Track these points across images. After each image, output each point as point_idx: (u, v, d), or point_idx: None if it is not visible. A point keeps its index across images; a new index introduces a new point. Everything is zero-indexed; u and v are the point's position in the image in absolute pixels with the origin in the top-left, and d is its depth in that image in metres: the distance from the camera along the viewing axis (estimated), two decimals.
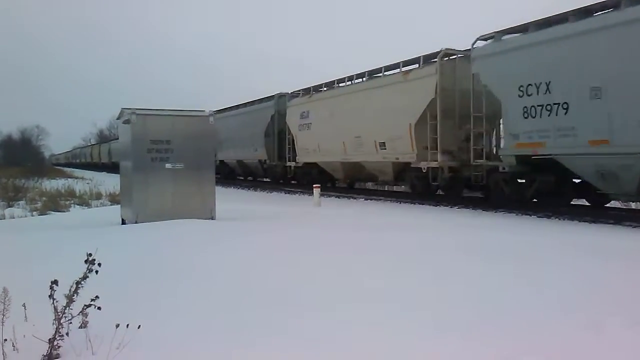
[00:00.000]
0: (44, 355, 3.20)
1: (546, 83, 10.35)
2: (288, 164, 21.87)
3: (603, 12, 9.80)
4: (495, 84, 11.72)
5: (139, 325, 3.29)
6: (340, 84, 18.82)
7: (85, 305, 3.37)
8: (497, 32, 11.83)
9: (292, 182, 23.30)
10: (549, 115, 10.33)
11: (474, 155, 12.64)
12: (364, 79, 17.16)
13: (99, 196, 18.96)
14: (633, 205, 12.90)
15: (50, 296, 3.31)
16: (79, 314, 3.40)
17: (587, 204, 12.30)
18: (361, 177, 19.17)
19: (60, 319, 3.26)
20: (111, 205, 15.69)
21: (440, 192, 15.31)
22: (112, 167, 44.86)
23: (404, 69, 15.38)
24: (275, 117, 22.68)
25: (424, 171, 14.06)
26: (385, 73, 16.05)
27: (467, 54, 12.96)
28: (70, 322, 3.35)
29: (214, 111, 27.44)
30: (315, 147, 19.36)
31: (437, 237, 7.58)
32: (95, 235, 8.06)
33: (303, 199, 17.24)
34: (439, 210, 13.01)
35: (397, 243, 7.09)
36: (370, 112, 15.89)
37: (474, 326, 3.76)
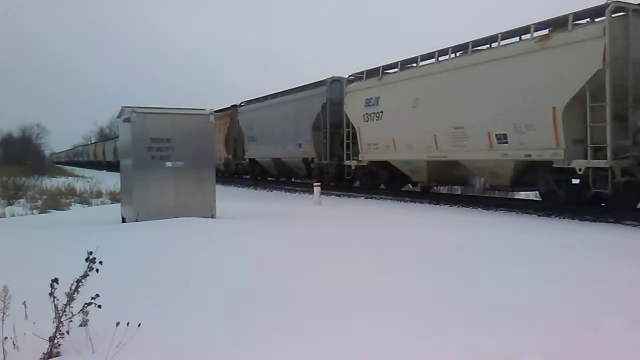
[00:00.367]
0: (45, 354, 3.20)
1: None
2: (347, 162, 17.81)
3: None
4: None
5: (139, 324, 3.30)
6: (426, 61, 14.39)
7: (85, 303, 3.37)
8: None
9: (354, 184, 19.24)
10: None
11: None
12: (465, 52, 12.95)
13: (99, 194, 18.98)
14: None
15: (51, 294, 3.31)
16: (79, 312, 3.40)
17: None
18: (452, 180, 15.54)
19: (60, 317, 3.27)
20: (111, 203, 15.70)
21: (602, 203, 11.17)
22: (117, 166, 44.00)
23: (535, 34, 11.15)
24: (327, 106, 18.74)
25: (579, 172, 10.12)
26: (503, 42, 11.90)
27: None
28: (71, 321, 3.35)
29: (244, 102, 25.57)
30: (388, 142, 15.28)
31: (437, 235, 7.57)
32: (95, 233, 8.06)
33: (303, 198, 17.24)
34: (439, 209, 13.00)
35: (398, 241, 7.08)
36: (482, 95, 11.91)
37: (474, 325, 3.76)
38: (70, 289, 3.36)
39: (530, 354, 3.25)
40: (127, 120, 9.79)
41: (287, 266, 5.65)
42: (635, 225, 9.20)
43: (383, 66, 15.95)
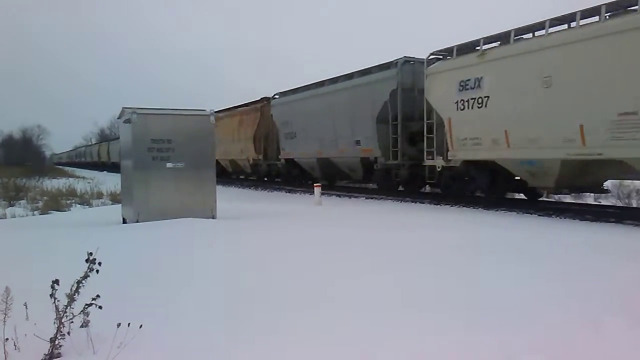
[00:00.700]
0: (46, 355, 3.20)
1: None
2: (429, 162, 13.99)
3: None
4: None
5: (141, 325, 3.30)
6: (556, 28, 10.85)
7: (86, 304, 3.37)
8: None
9: (437, 191, 15.61)
10: None
11: None
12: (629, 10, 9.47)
13: (100, 195, 18.99)
14: (635, 203, 12.90)
15: (52, 295, 3.31)
16: (80, 313, 3.40)
17: None
18: (588, 185, 11.57)
19: (61, 318, 3.27)
20: (112, 204, 15.70)
21: None
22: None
23: None
24: (397, 93, 15.14)
25: None
26: None
27: None
28: (72, 322, 3.35)
29: (278, 93, 22.61)
30: (497, 136, 11.73)
31: (438, 235, 7.57)
32: (96, 234, 8.07)
33: (304, 198, 17.24)
34: (440, 209, 12.99)
35: (399, 242, 7.08)
36: None
37: (475, 325, 3.76)
38: (71, 290, 3.36)
39: (531, 353, 3.24)
40: (127, 121, 9.80)
41: (287, 266, 5.65)
42: (636, 225, 9.20)
43: (484, 38, 12.22)
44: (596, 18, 9.89)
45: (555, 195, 13.98)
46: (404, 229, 8.46)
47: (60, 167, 68.27)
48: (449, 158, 13.29)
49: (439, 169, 13.74)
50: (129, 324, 3.22)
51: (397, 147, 15.30)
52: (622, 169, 10.03)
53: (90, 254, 3.52)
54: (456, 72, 12.86)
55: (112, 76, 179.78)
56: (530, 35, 11.46)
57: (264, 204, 14.82)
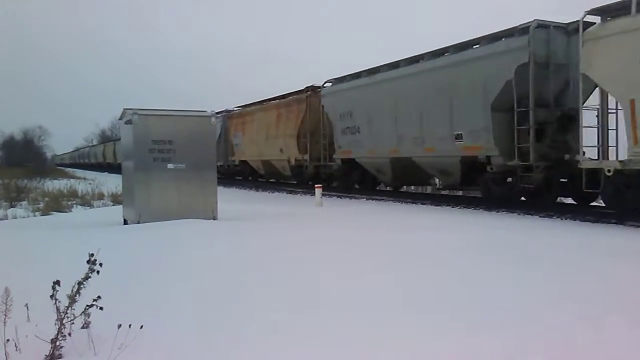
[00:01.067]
0: (47, 356, 3.20)
1: None
2: (588, 165, 10.12)
3: None
4: None
5: (141, 326, 3.30)
6: None
7: (87, 305, 3.38)
8: None
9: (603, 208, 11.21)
10: None
11: None
12: None
13: (101, 196, 19.01)
14: None
15: (53, 296, 3.31)
16: (81, 314, 3.41)
17: None
18: None
19: (62, 319, 3.27)
20: (113, 205, 15.72)
21: None
22: None
23: None
24: (529, 69, 11.14)
25: None
26: None
27: None
28: (73, 323, 3.35)
29: (331, 80, 18.54)
30: None
31: (439, 236, 7.57)
32: (97, 235, 8.07)
33: (304, 199, 17.24)
34: (440, 210, 12.99)
35: (399, 242, 7.08)
36: None
37: (476, 325, 3.75)
38: (72, 291, 3.37)
39: (532, 354, 3.24)
40: (128, 122, 9.81)
41: (288, 267, 5.65)
42: (637, 227, 9.18)
43: None
44: None
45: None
46: (406, 230, 8.47)
47: (61, 168, 67.98)
48: (630, 157, 9.24)
49: (608, 173, 9.50)
50: (129, 325, 3.22)
51: (527, 143, 11.21)
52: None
53: (92, 255, 3.53)
54: None
55: (113, 77, 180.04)
56: None
57: (264, 205, 14.82)
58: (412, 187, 19.47)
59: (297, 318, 3.98)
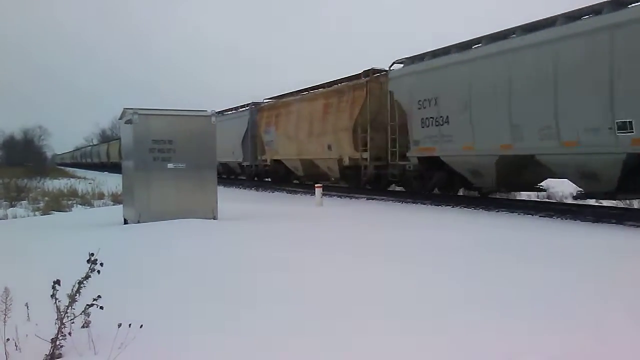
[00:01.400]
0: (47, 355, 3.20)
1: None
2: None
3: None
4: None
5: (141, 325, 3.30)
6: None
7: (87, 304, 3.38)
8: None
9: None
10: None
11: None
12: None
13: (101, 196, 19.01)
14: (635, 204, 12.87)
15: (53, 296, 3.32)
16: (81, 314, 3.41)
17: None
18: None
19: (62, 318, 3.27)
20: (113, 205, 15.72)
21: None
22: None
23: None
24: None
25: None
26: None
27: None
28: (73, 322, 3.35)
29: (402, 60, 14.56)
30: None
31: (439, 235, 7.58)
32: (97, 235, 8.08)
33: (305, 199, 17.24)
34: (441, 210, 12.99)
35: (402, 241, 7.09)
36: None
37: (476, 324, 3.76)
38: (72, 290, 3.37)
39: (531, 354, 3.24)
40: (129, 121, 9.82)
41: (288, 267, 5.65)
42: (637, 226, 9.18)
43: None
44: None
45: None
46: (407, 229, 8.47)
47: (61, 167, 67.62)
48: None
49: None
50: (130, 324, 3.22)
51: None
52: None
53: (92, 254, 3.53)
54: None
55: (114, 77, 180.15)
56: None
57: (265, 204, 14.82)
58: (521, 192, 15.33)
59: (297, 317, 3.98)
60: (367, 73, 16.62)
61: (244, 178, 27.29)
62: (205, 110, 10.51)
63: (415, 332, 3.64)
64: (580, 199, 11.50)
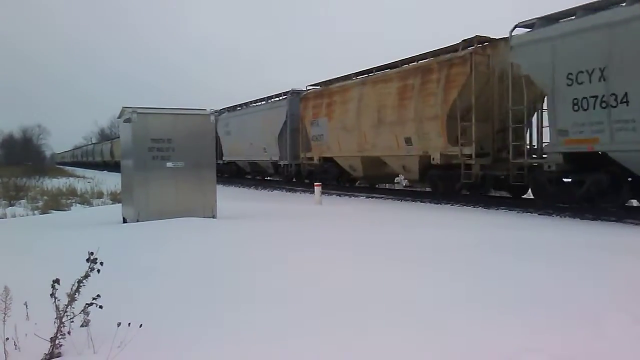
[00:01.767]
0: (46, 354, 3.20)
1: None
2: None
3: None
4: None
5: (141, 324, 3.30)
6: None
7: (86, 304, 3.37)
8: None
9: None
10: None
11: None
12: None
13: (100, 195, 19.00)
14: (635, 202, 12.87)
15: (52, 295, 3.31)
16: (80, 313, 3.40)
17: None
18: None
19: (61, 317, 3.26)
20: (112, 204, 15.70)
21: None
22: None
23: None
24: None
25: None
26: None
27: None
28: (72, 321, 3.35)
29: (538, 18, 10.09)
30: None
31: (440, 233, 7.58)
32: (96, 233, 8.07)
33: (304, 197, 17.24)
34: (440, 208, 12.99)
35: (398, 240, 7.09)
36: None
37: (473, 323, 3.75)
38: (72, 289, 3.36)
39: (532, 352, 3.24)
40: (127, 120, 9.80)
41: (288, 266, 5.65)
42: (637, 224, 9.18)
43: None
44: None
45: None
46: (407, 228, 8.47)
47: (60, 166, 67.16)
48: None
49: None
50: (129, 323, 3.22)
51: None
52: None
53: (91, 253, 3.52)
54: None
55: (112, 76, 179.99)
56: None
57: (264, 203, 14.82)
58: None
59: (299, 317, 3.97)
60: (470, 42, 12.69)
61: (279, 179, 23.44)
62: (204, 109, 10.50)
63: (415, 331, 3.64)
64: None
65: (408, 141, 14.28)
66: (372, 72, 16.51)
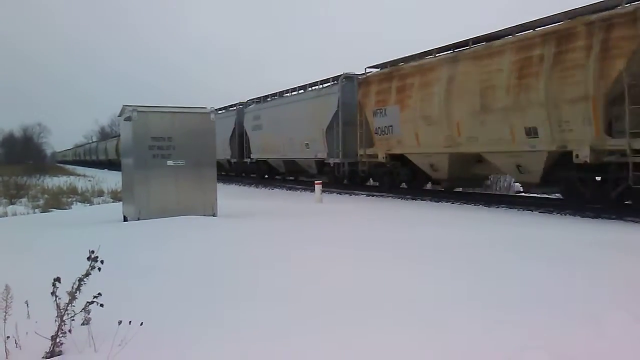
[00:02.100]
0: (47, 352, 3.21)
1: None
2: None
3: None
4: None
5: (142, 322, 3.30)
6: None
7: (87, 302, 3.37)
8: None
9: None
10: None
11: None
12: None
13: (100, 193, 19.01)
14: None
15: (53, 293, 3.31)
16: (81, 311, 3.40)
17: None
18: None
19: (62, 316, 3.27)
20: (113, 202, 15.71)
21: None
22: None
23: None
24: None
25: None
26: None
27: None
28: (73, 319, 3.35)
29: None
30: None
31: (440, 232, 7.58)
32: (97, 232, 8.08)
33: (304, 195, 17.24)
34: (440, 206, 12.99)
35: (398, 238, 7.09)
36: None
37: (477, 321, 3.76)
38: (72, 287, 3.37)
39: (533, 350, 3.24)
40: (128, 119, 9.81)
41: (288, 265, 5.65)
42: (637, 222, 9.18)
43: None
44: None
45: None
46: (407, 226, 8.47)
47: (62, 165, 66.64)
48: None
49: None
50: (130, 321, 3.22)
51: None
52: None
53: (92, 251, 3.52)
54: None
55: (112, 75, 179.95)
56: None
57: (264, 201, 14.81)
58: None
59: (298, 316, 3.98)
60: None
61: (325, 181, 17.71)
62: (205, 108, 10.50)
63: (416, 329, 3.64)
64: None
65: (531, 132, 10.81)
66: (466, 46, 12.78)
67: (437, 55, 13.66)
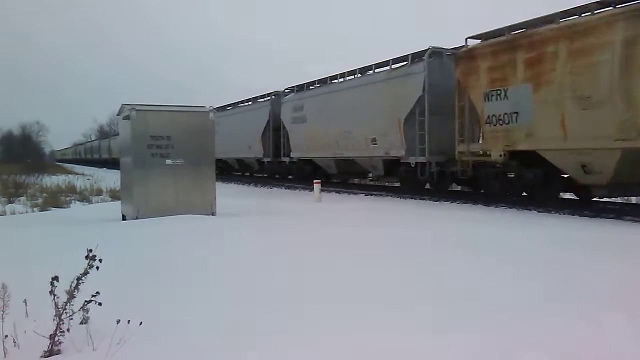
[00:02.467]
0: (45, 351, 3.20)
1: None
2: None
3: None
4: None
5: (140, 322, 3.29)
6: None
7: (86, 301, 3.37)
8: None
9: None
10: None
11: None
12: None
13: (99, 192, 18.99)
14: (634, 200, 12.90)
15: (51, 292, 3.31)
16: (79, 310, 3.40)
17: None
18: None
19: (60, 314, 3.26)
20: (112, 201, 15.70)
21: None
22: None
23: None
24: None
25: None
26: None
27: None
28: (71, 318, 3.34)
29: None
30: None
31: (440, 232, 7.58)
32: (95, 231, 8.07)
33: (303, 195, 17.24)
34: (440, 206, 12.99)
35: (398, 238, 7.08)
36: None
37: (474, 322, 3.76)
38: (71, 286, 3.36)
39: (529, 351, 3.24)
40: (126, 117, 9.79)
41: (287, 265, 5.65)
42: (635, 221, 9.20)
43: None
44: None
45: None
46: (407, 226, 8.47)
47: (61, 164, 66.56)
48: None
49: None
50: (128, 320, 3.22)
51: None
52: None
53: (90, 250, 3.52)
54: None
55: (111, 73, 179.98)
56: None
57: (264, 200, 14.81)
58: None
59: (298, 316, 3.97)
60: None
61: (395, 184, 16.63)
62: (204, 106, 10.49)
63: (415, 328, 3.64)
64: None
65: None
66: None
67: (595, 12, 9.56)
